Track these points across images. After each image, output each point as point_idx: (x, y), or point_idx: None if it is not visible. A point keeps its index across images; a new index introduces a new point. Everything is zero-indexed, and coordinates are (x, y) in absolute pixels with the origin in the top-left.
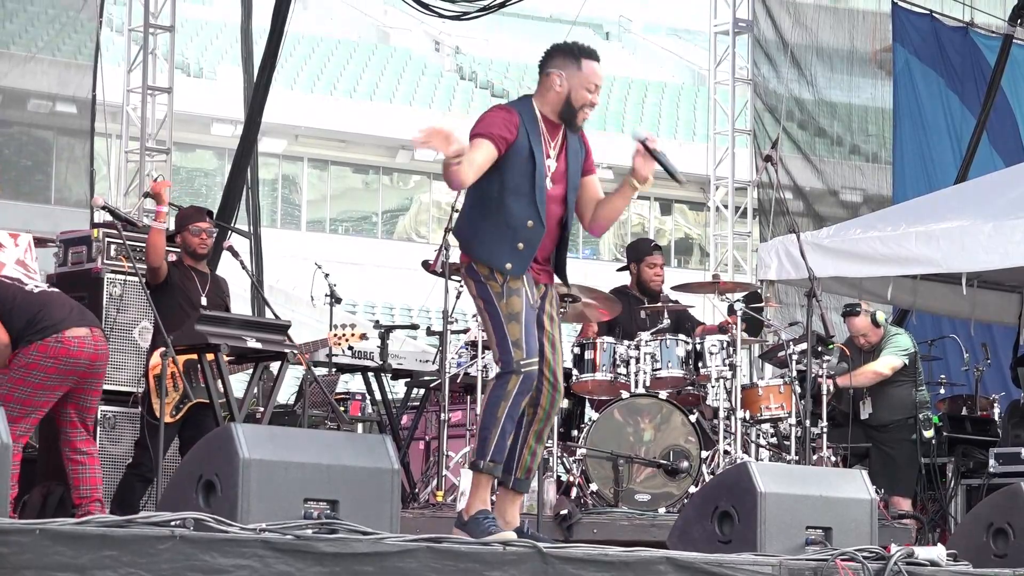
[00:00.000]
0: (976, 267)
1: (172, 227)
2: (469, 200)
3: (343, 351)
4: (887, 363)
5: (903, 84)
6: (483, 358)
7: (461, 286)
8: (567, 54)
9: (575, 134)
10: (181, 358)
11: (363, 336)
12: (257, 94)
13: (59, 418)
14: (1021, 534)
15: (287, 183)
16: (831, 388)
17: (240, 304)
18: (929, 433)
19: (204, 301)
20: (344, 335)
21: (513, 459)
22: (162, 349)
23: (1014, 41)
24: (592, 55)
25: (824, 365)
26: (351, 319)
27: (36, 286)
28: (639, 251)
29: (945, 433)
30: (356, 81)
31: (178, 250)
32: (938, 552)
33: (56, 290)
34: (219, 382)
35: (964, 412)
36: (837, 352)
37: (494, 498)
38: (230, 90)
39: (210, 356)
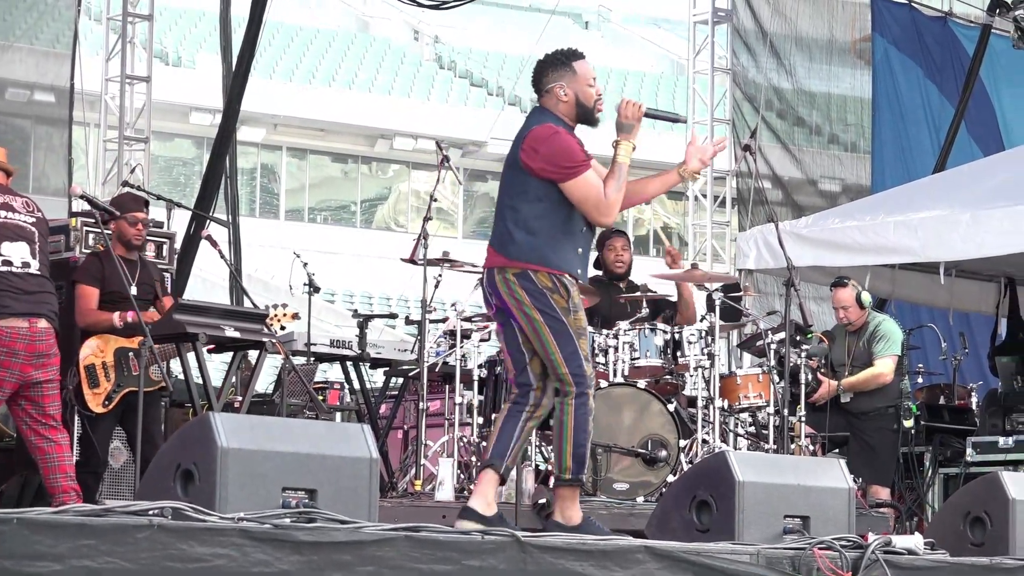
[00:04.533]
0: (954, 256)
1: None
2: (530, 211)
3: (276, 330)
4: (886, 365)
5: (882, 74)
6: (461, 347)
7: (440, 275)
8: (556, 64)
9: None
10: (110, 347)
11: (295, 316)
12: (236, 83)
13: (18, 408)
14: (998, 523)
15: (266, 172)
16: (811, 376)
17: (219, 293)
18: (909, 423)
19: (134, 291)
20: (276, 315)
21: (507, 453)
22: (92, 340)
23: (992, 31)
24: (579, 55)
25: (803, 354)
26: (329, 308)
27: (23, 267)
28: (601, 236)
29: (923, 422)
30: (335, 70)
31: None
32: (915, 541)
33: (38, 274)
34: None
35: (942, 401)
36: (816, 340)
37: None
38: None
39: (132, 343)
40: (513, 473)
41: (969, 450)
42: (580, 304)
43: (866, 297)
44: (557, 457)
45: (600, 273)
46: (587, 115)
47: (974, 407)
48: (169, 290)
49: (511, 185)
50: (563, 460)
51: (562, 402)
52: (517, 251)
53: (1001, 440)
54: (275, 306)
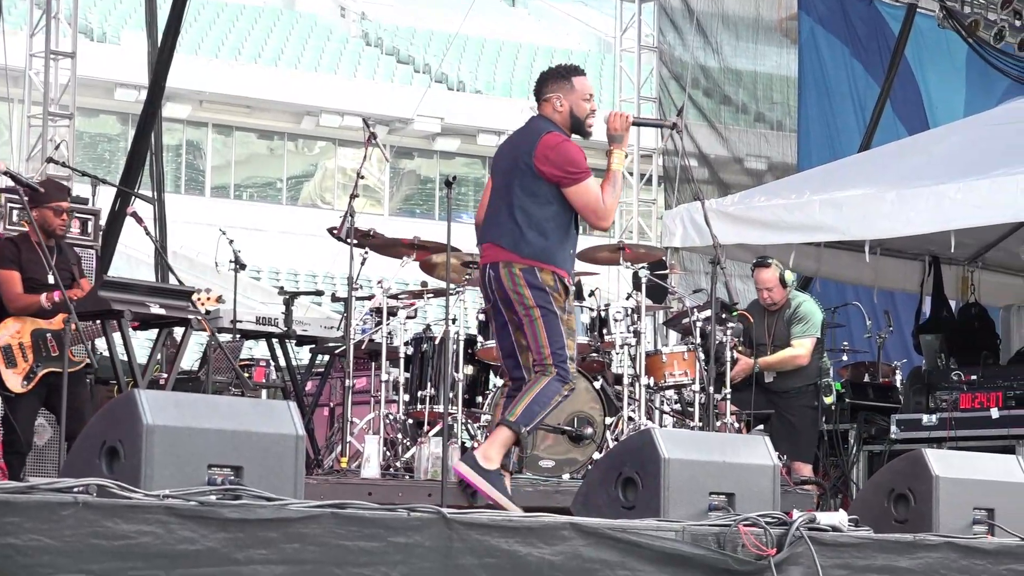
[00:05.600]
0: (879, 235)
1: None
2: (541, 213)
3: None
4: (804, 346)
5: (808, 52)
6: (387, 325)
7: (366, 252)
8: (557, 77)
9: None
10: (27, 329)
11: (219, 299)
12: (161, 59)
13: None
14: (921, 500)
15: (191, 149)
16: (736, 357)
17: (144, 270)
18: (829, 399)
19: (51, 279)
20: (200, 298)
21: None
22: (9, 321)
23: (918, 10)
24: (579, 71)
25: (728, 332)
26: (255, 285)
27: None
28: None
29: (847, 400)
30: (261, 47)
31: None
32: (839, 517)
33: None
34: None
35: (866, 379)
36: (740, 319)
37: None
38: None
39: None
40: (440, 450)
41: (893, 428)
42: (573, 307)
43: (789, 276)
44: (512, 405)
45: None
46: (579, 127)
47: (898, 385)
48: (94, 268)
49: (520, 188)
50: (515, 407)
51: (539, 374)
52: (530, 250)
53: (925, 418)
54: (199, 290)
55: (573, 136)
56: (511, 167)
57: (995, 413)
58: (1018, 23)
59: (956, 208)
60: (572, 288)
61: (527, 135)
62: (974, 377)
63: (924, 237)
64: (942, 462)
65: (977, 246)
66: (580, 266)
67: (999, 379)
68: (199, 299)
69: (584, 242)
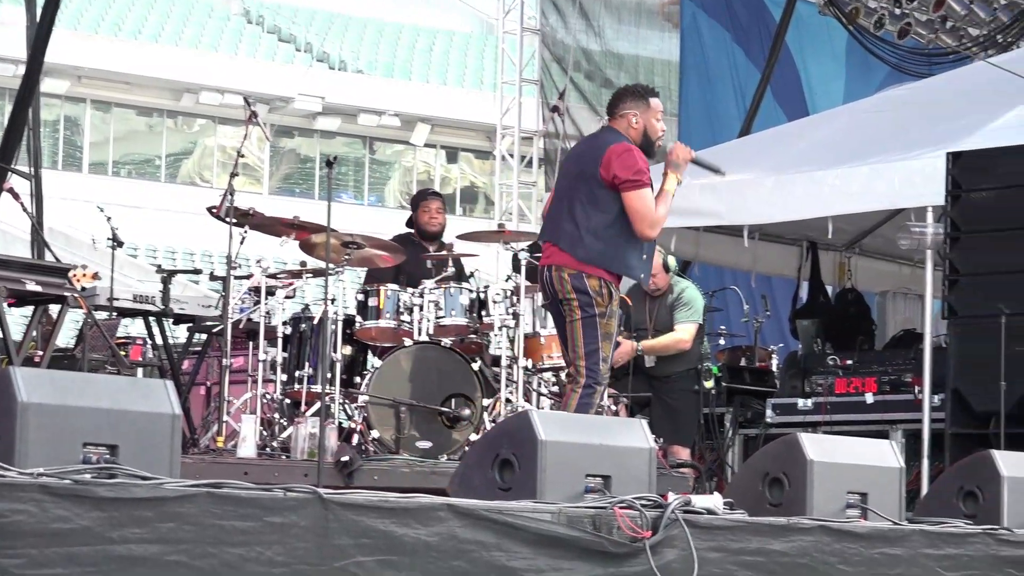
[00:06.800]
0: (757, 220)
1: None
2: (600, 219)
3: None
4: (687, 331)
5: (690, 37)
6: (266, 304)
7: (245, 231)
8: (636, 95)
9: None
10: None
11: (95, 276)
12: (40, 34)
13: None
14: (796, 484)
15: (69, 124)
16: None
17: (19, 246)
18: (709, 384)
19: None
20: (76, 275)
21: None
22: None
23: None
24: (655, 92)
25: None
26: (133, 263)
27: None
28: (416, 197)
29: (724, 383)
30: (142, 23)
31: None
32: (715, 500)
33: None
34: None
35: (743, 363)
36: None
37: None
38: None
39: None
40: (317, 430)
41: (769, 412)
42: (617, 311)
43: (671, 262)
44: None
45: (412, 231)
46: (649, 146)
47: (775, 369)
48: None
49: (583, 193)
50: None
51: (571, 387)
52: (584, 253)
53: (800, 402)
54: (75, 267)
55: None
56: (577, 171)
57: (870, 398)
58: (898, 11)
59: (834, 194)
60: (617, 291)
61: (596, 143)
62: (850, 362)
63: (802, 223)
64: (816, 446)
65: (854, 232)
66: (460, 247)
67: (874, 364)
68: (75, 276)
69: (464, 225)
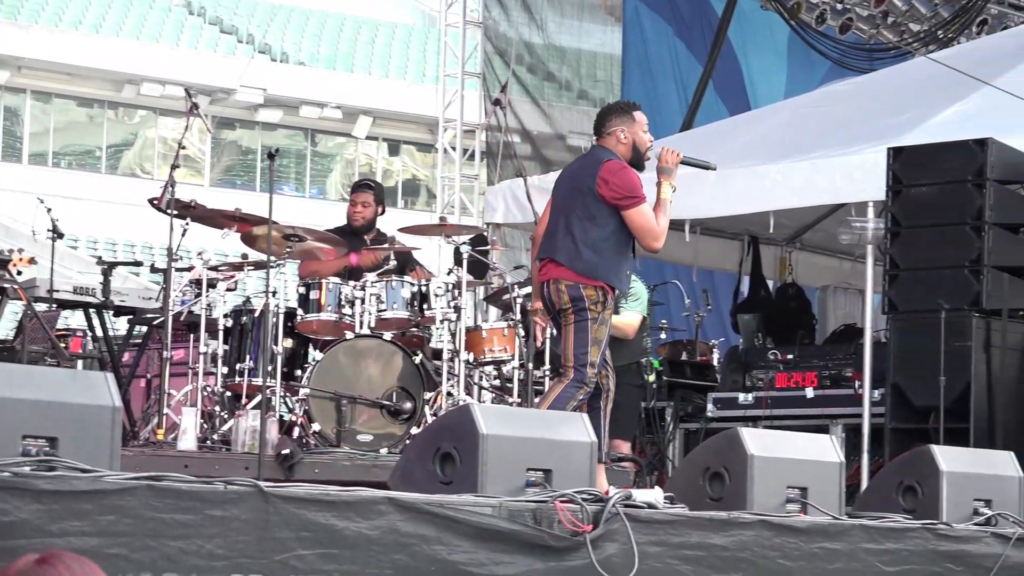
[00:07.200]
0: (699, 214)
1: None
2: (597, 233)
3: (12, 275)
4: (630, 320)
5: (632, 31)
6: (207, 296)
7: (187, 223)
8: (620, 111)
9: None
10: None
11: (31, 260)
12: None
13: None
14: (736, 478)
15: (9, 115)
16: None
17: None
18: (651, 378)
19: None
20: (11, 259)
21: (601, 439)
22: None
23: None
24: (637, 106)
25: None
26: (73, 255)
27: None
28: (352, 189)
29: (665, 377)
30: (83, 13)
31: None
32: (655, 495)
33: None
34: None
35: (684, 357)
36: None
37: None
38: None
39: None
40: (258, 423)
41: (710, 406)
42: (608, 320)
43: None
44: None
45: (344, 224)
46: (638, 159)
47: (715, 363)
48: None
49: (579, 208)
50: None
51: (558, 379)
52: (583, 266)
53: (741, 396)
54: (10, 251)
55: None
56: (572, 189)
57: (810, 392)
58: (839, 6)
59: (776, 189)
60: (612, 300)
61: (590, 160)
62: (790, 357)
63: (744, 217)
64: (757, 441)
65: (795, 227)
66: (402, 239)
67: (815, 359)
68: (10, 260)
69: (406, 218)
